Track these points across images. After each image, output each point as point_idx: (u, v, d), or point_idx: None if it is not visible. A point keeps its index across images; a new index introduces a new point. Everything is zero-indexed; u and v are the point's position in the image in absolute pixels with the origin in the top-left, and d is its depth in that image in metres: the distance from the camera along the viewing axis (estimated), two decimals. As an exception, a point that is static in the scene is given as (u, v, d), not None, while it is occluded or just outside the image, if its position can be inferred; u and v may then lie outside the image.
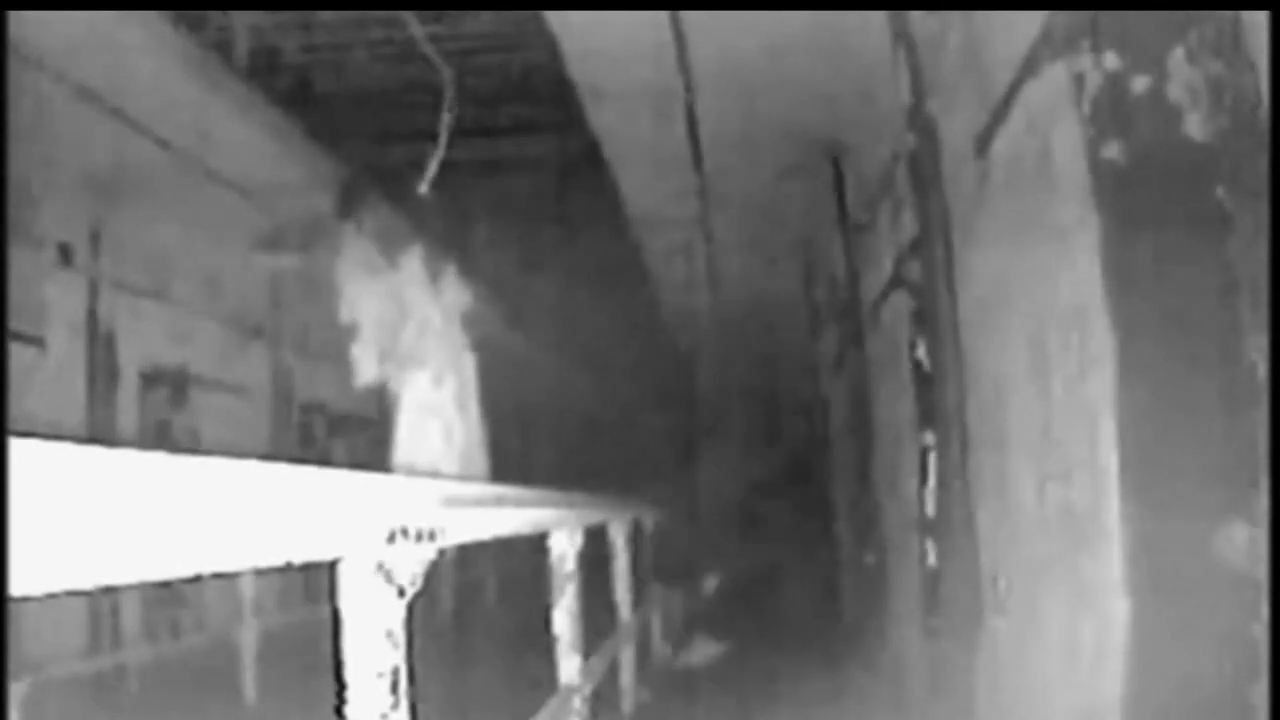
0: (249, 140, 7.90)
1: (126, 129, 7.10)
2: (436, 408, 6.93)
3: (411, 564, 1.78)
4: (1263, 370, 2.56)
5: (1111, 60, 2.81)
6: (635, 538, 6.83)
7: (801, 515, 13.81)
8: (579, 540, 4.07)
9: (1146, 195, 2.77)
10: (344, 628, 1.68)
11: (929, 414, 5.28)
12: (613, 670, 5.26)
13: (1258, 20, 2.55)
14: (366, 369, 6.88)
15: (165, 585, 6.87)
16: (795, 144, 7.65)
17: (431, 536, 1.89)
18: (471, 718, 5.35)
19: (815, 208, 8.55)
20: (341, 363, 6.98)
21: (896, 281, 6.12)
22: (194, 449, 5.74)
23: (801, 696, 6.47)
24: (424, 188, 6.88)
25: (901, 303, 6.08)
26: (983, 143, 4.09)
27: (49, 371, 7.13)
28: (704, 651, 8.78)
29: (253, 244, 8.92)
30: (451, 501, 2.15)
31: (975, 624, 4.43)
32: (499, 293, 12.51)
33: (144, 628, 7.98)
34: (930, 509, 5.48)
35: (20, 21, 5.31)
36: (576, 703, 3.83)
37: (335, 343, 7.10)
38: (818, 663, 7.68)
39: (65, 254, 7.42)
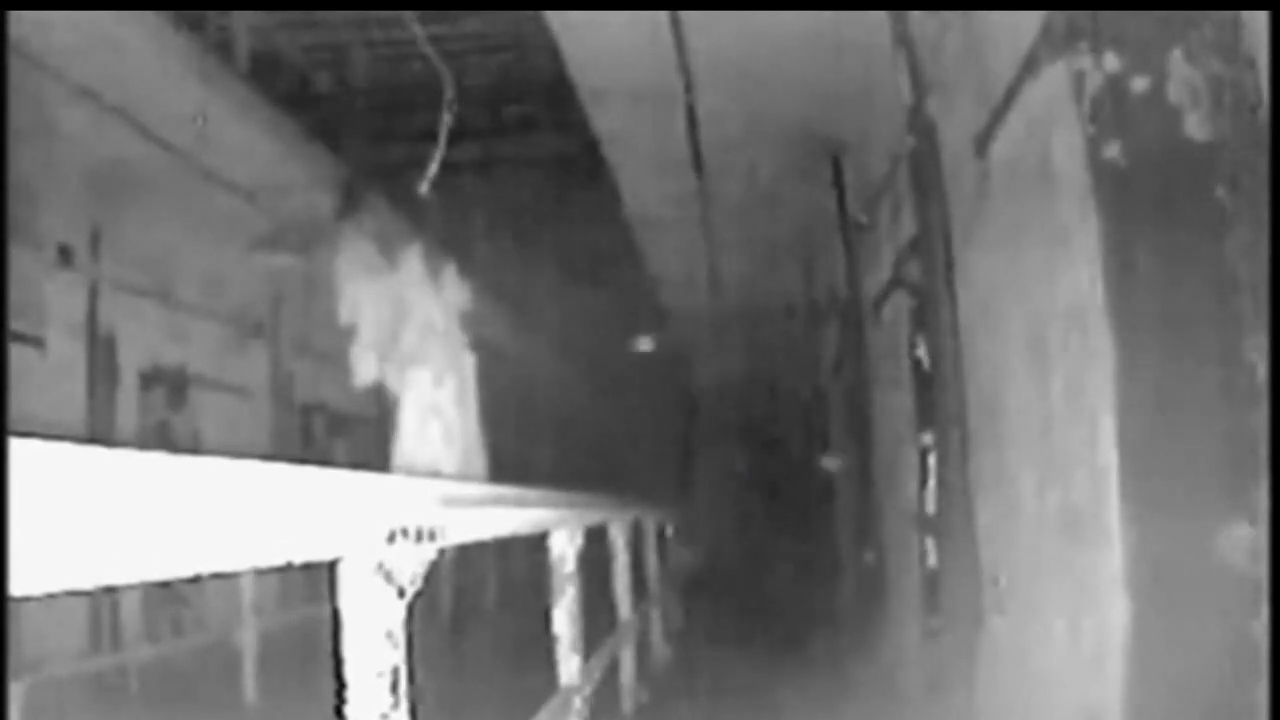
0: (249, 140, 7.89)
1: (126, 129, 7.09)
2: (436, 408, 6.93)
3: (411, 564, 1.78)
4: (1262, 370, 2.56)
5: (1111, 60, 2.81)
6: (636, 540, 6.83)
7: (801, 515, 13.81)
8: (579, 540, 4.07)
9: (1146, 195, 2.77)
10: (344, 628, 1.68)
11: (929, 414, 5.28)
12: (613, 670, 5.25)
13: (1258, 20, 2.56)
14: (366, 369, 6.88)
15: (165, 585, 6.87)
16: (795, 144, 7.65)
17: (431, 536, 1.89)
18: (471, 718, 5.35)
19: (815, 208, 8.55)
20: (341, 363, 6.98)
21: (896, 281, 6.12)
22: (194, 449, 5.75)
23: (801, 696, 6.46)
24: (424, 188, 6.87)
25: (901, 303, 6.09)
26: (983, 143, 4.09)
27: (49, 371, 7.13)
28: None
29: (253, 244, 8.91)
30: (451, 501, 2.15)
31: (975, 624, 4.43)
32: (499, 293, 12.51)
33: (144, 627, 7.98)
34: (930, 508, 5.48)
35: (20, 21, 5.31)
36: (576, 703, 3.83)
37: (335, 343, 7.10)
38: (817, 662, 7.67)
39: (65, 254, 7.41)
